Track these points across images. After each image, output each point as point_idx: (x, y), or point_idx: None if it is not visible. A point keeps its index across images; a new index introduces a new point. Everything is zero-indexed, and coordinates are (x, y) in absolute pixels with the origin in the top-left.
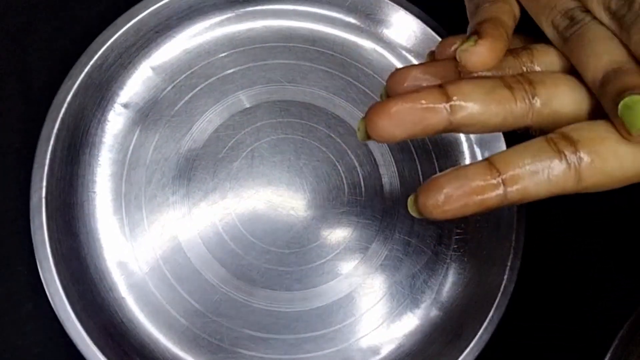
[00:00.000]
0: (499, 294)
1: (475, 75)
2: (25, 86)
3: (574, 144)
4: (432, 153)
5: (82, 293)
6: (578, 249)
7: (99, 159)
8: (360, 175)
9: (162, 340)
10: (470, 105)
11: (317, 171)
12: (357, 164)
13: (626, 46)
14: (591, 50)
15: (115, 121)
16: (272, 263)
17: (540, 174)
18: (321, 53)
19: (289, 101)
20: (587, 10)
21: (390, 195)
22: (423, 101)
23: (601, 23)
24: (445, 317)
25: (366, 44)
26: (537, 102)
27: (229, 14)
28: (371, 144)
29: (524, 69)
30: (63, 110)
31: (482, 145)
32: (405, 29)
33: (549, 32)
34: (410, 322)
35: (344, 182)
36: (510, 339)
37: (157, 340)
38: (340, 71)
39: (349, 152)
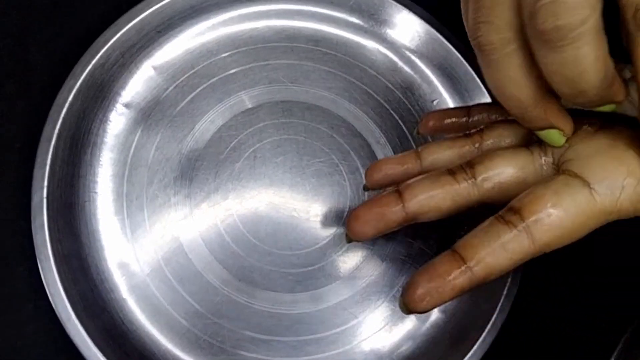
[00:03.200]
0: (502, 297)
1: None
2: (27, 86)
3: (517, 211)
4: None
5: (83, 294)
6: (582, 252)
7: (101, 159)
8: (363, 175)
9: (163, 342)
10: (420, 197)
11: (319, 172)
12: (360, 165)
13: None
14: None
15: (117, 121)
16: (274, 265)
17: (498, 249)
18: (324, 53)
19: (291, 102)
20: None
21: None
22: (381, 205)
23: None
24: (448, 320)
25: (369, 44)
26: (478, 179)
27: (232, 14)
28: (374, 145)
29: (475, 147)
30: (64, 110)
31: None
32: (409, 29)
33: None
34: (413, 325)
35: (347, 183)
36: (513, 342)
37: (158, 342)
38: (343, 71)
39: (352, 153)
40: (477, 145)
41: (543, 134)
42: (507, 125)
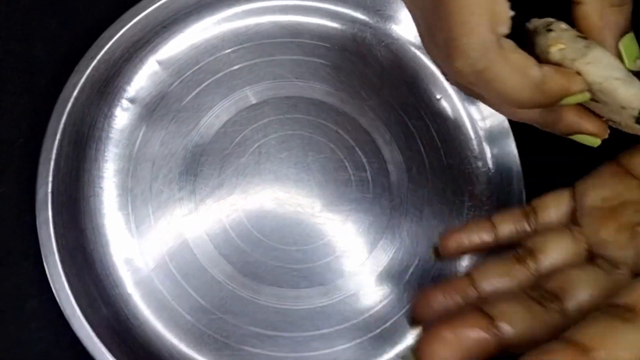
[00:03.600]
0: None
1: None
2: (31, 81)
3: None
4: (441, 150)
5: (87, 289)
6: None
7: (106, 154)
8: (369, 172)
9: (168, 337)
10: (516, 324)
11: (324, 168)
12: (365, 161)
13: None
14: None
15: (122, 116)
16: (279, 260)
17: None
18: (329, 49)
19: (296, 97)
20: None
21: (399, 192)
22: (469, 327)
23: None
24: None
25: (375, 40)
26: (567, 307)
27: (237, 9)
28: (379, 140)
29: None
30: (69, 105)
31: (490, 141)
32: (414, 25)
33: None
34: None
35: (352, 178)
36: None
37: (162, 337)
38: (348, 67)
39: (357, 149)
40: (534, 268)
41: (577, 137)
42: (554, 238)
